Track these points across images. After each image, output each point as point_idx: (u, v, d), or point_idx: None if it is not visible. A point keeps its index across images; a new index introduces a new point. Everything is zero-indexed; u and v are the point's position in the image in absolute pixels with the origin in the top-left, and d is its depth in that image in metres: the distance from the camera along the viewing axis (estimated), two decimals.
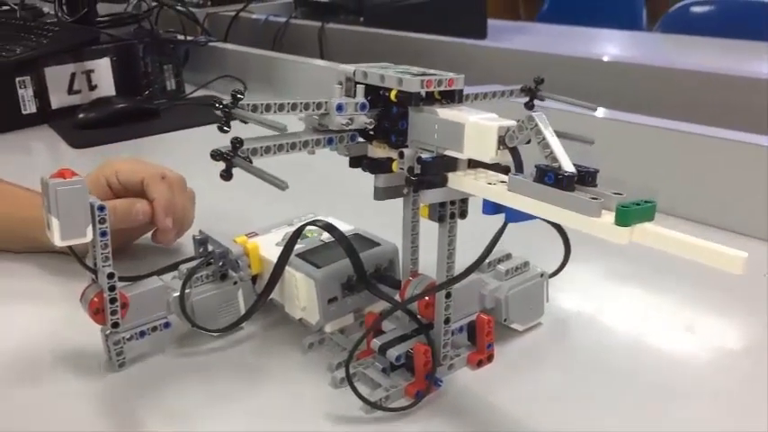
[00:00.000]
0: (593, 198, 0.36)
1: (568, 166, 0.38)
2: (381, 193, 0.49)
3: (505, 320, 0.55)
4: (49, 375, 0.54)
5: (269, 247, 0.59)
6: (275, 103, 0.43)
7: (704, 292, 0.64)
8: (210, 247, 0.59)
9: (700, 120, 0.83)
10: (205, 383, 0.53)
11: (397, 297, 0.54)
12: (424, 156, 0.44)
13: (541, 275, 0.57)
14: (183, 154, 1.10)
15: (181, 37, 1.49)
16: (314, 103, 0.45)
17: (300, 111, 0.45)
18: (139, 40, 1.39)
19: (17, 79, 1.24)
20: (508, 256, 0.58)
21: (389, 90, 0.46)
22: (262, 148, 0.43)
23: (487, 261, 0.56)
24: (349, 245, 0.53)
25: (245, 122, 0.41)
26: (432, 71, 0.47)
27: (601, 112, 0.87)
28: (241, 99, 0.41)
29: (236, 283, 0.58)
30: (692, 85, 1.11)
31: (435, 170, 0.44)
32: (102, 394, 0.52)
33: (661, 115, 0.85)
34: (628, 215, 0.34)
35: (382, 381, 0.50)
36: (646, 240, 0.34)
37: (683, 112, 0.89)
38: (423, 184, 0.44)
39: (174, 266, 0.58)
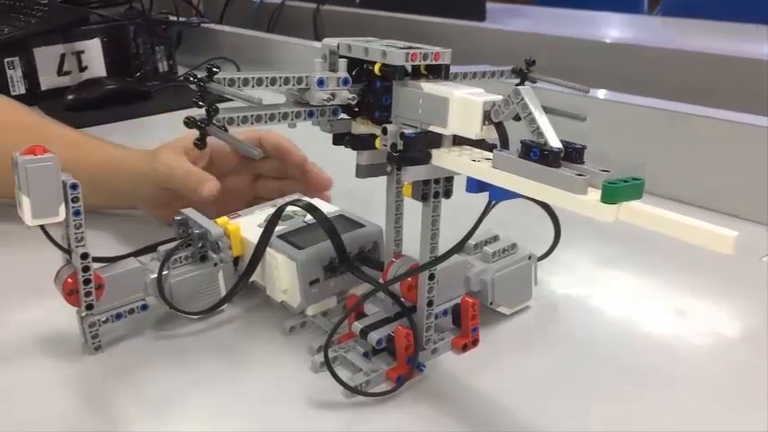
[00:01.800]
0: (578, 174, 0.34)
1: (555, 142, 0.36)
2: (364, 171, 0.47)
3: (491, 303, 0.54)
4: (25, 358, 0.52)
5: (251, 229, 0.58)
6: (253, 78, 0.41)
7: (699, 276, 0.63)
8: (191, 229, 0.57)
9: (700, 101, 0.82)
10: (184, 367, 0.52)
11: (381, 279, 0.52)
12: (408, 132, 0.42)
13: (529, 258, 0.56)
14: (174, 135, 1.09)
15: (173, 18, 1.46)
16: (294, 77, 0.43)
17: (280, 85, 0.43)
18: (131, 20, 1.36)
19: (5, 60, 1.22)
20: (495, 238, 0.56)
21: (373, 64, 0.44)
22: (239, 117, 0.42)
23: (474, 243, 0.54)
24: (330, 226, 0.52)
25: (222, 97, 0.40)
26: (418, 45, 0.45)
27: (601, 93, 0.85)
28: (216, 73, 0.40)
29: (216, 264, 0.56)
30: (692, 67, 1.10)
31: (418, 146, 0.42)
32: (77, 377, 0.50)
33: (662, 97, 0.84)
34: (614, 192, 0.33)
35: (363, 365, 0.49)
36: (632, 218, 0.33)
37: (683, 94, 0.88)
38: (405, 161, 0.42)
39: (153, 248, 0.57)
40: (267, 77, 0.42)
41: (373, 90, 0.45)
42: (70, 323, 0.53)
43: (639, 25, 1.88)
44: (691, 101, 0.83)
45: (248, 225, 0.58)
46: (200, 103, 0.40)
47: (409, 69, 0.44)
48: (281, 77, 0.43)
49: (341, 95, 0.45)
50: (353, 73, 0.46)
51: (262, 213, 0.61)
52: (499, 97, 0.40)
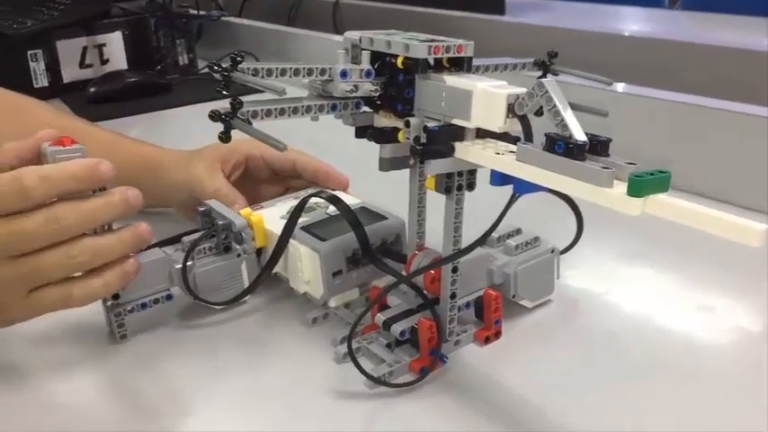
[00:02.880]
0: (604, 167, 0.34)
1: (580, 135, 0.36)
2: (386, 164, 0.47)
3: (514, 297, 0.54)
4: (51, 347, 0.53)
5: (274, 220, 0.58)
6: (277, 68, 0.41)
7: (723, 271, 0.63)
8: (214, 220, 0.57)
9: (722, 95, 0.81)
10: (208, 356, 0.52)
11: (404, 271, 0.53)
12: (431, 125, 0.42)
13: (552, 251, 0.55)
14: (194, 129, 1.09)
15: (193, 11, 1.47)
16: (317, 68, 0.43)
17: (303, 76, 0.43)
18: (152, 13, 1.37)
19: (29, 52, 1.24)
20: (518, 231, 0.56)
21: (396, 57, 0.44)
22: (262, 110, 0.41)
23: (497, 236, 0.54)
24: (353, 217, 0.52)
25: (245, 87, 0.40)
26: (441, 38, 0.45)
27: (620, 86, 0.85)
28: (240, 62, 0.40)
29: (239, 255, 0.56)
30: (713, 60, 1.09)
31: (442, 139, 0.42)
32: (103, 366, 0.51)
33: (683, 91, 0.83)
34: (640, 185, 0.33)
35: (386, 356, 0.49)
36: (659, 212, 0.33)
37: (704, 88, 0.87)
38: (428, 154, 0.42)
39: (177, 238, 0.57)
40: (291, 68, 0.42)
41: (396, 83, 0.45)
42: (94, 312, 0.53)
43: (660, 19, 1.86)
44: (713, 95, 0.82)
45: (271, 217, 0.59)
46: (224, 92, 0.40)
47: (431, 62, 0.44)
48: (304, 68, 0.43)
49: (363, 88, 0.45)
50: (376, 66, 0.46)
51: (284, 205, 0.62)
52: (523, 90, 0.40)
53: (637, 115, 0.82)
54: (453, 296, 0.48)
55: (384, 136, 0.46)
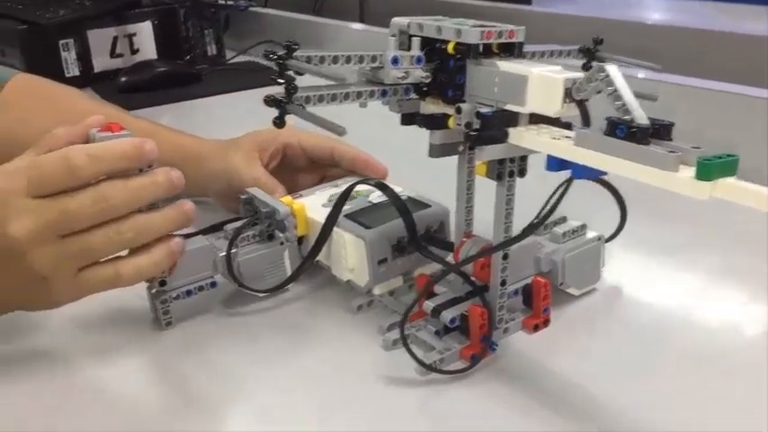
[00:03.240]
0: (670, 151, 0.34)
1: (642, 119, 0.36)
2: (437, 150, 0.47)
3: (561, 285, 0.53)
4: (95, 333, 0.53)
5: (315, 208, 0.58)
6: (329, 55, 0.42)
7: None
8: (257, 208, 0.58)
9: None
10: (254, 344, 0.52)
11: (449, 259, 0.53)
12: (484, 110, 0.42)
13: (599, 239, 0.55)
14: (224, 118, 1.13)
15: (221, 1, 1.47)
16: (368, 55, 0.43)
17: (354, 64, 0.43)
18: (181, 3, 1.38)
19: (60, 42, 1.25)
20: (563, 219, 0.56)
21: (446, 42, 0.44)
22: (315, 96, 0.41)
23: (546, 223, 0.53)
24: (402, 204, 0.52)
25: (301, 74, 0.40)
26: (490, 23, 0.45)
27: (668, 76, 0.84)
28: (296, 50, 0.40)
29: (282, 243, 0.56)
30: (745, 50, 1.08)
31: (496, 125, 0.42)
32: (148, 352, 0.51)
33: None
34: (709, 169, 0.32)
35: (436, 343, 0.49)
36: (728, 195, 0.32)
37: (736, 77, 0.86)
38: (482, 140, 0.42)
39: (219, 226, 0.57)
40: (343, 55, 0.42)
41: (446, 69, 0.45)
42: (136, 298, 0.53)
43: (689, 9, 1.84)
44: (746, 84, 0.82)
45: (312, 205, 0.59)
46: (279, 80, 0.40)
47: (481, 48, 0.44)
48: (355, 56, 0.43)
49: (414, 74, 0.45)
50: (425, 52, 0.45)
51: (323, 193, 0.62)
52: (579, 74, 0.39)
53: (681, 105, 0.82)
54: (503, 283, 0.48)
55: (434, 122, 0.46)
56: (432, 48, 0.45)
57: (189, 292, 0.54)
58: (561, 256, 0.52)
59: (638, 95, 0.47)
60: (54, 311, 0.49)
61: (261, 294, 0.56)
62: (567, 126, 0.43)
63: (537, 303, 0.50)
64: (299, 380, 0.48)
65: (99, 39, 1.29)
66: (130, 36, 1.32)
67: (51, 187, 0.45)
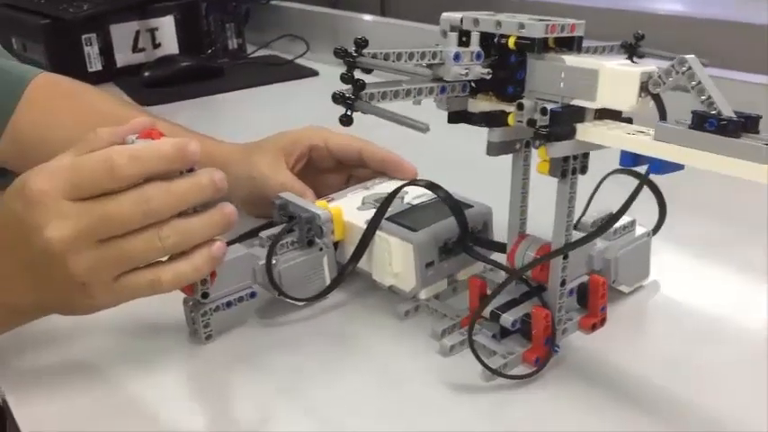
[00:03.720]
0: (765, 144, 0.33)
1: (728, 112, 0.35)
2: (495, 148, 0.46)
3: (614, 282, 0.53)
4: (133, 352, 0.51)
5: (351, 212, 0.57)
6: (393, 52, 0.40)
7: None
8: (292, 213, 0.56)
9: None
10: (303, 355, 0.51)
11: (493, 258, 0.52)
12: (552, 106, 0.41)
13: (648, 235, 0.55)
14: (247, 113, 1.13)
15: None
16: (429, 52, 0.42)
17: (417, 60, 0.42)
18: None
19: (83, 36, 1.26)
20: (610, 216, 0.54)
21: (506, 37, 0.43)
22: (379, 93, 0.40)
23: (591, 221, 0.53)
24: (456, 204, 0.51)
25: (370, 71, 0.39)
26: (544, 17, 0.44)
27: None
28: (365, 46, 0.38)
29: (321, 249, 0.55)
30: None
31: (565, 120, 0.41)
32: (191, 367, 0.50)
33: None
34: None
35: (496, 347, 0.48)
36: None
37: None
38: (552, 137, 0.41)
39: (254, 233, 0.57)
40: (406, 52, 0.41)
41: (506, 65, 0.44)
42: (167, 311, 0.52)
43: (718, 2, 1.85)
44: None
45: (347, 208, 0.57)
46: (347, 76, 0.39)
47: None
48: (418, 52, 0.42)
49: (474, 71, 0.43)
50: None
51: (355, 196, 0.61)
52: (653, 68, 0.39)
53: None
54: (563, 283, 0.47)
55: (494, 119, 0.45)
56: (489, 43, 0.44)
57: (229, 304, 0.52)
58: (614, 254, 0.52)
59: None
60: (82, 322, 0.48)
61: (301, 303, 0.55)
62: (629, 121, 0.43)
63: (594, 302, 0.50)
64: (355, 391, 0.47)
65: (121, 33, 1.29)
66: (152, 30, 1.32)
67: (91, 189, 0.43)
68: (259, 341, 0.52)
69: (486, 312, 0.48)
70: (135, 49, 1.31)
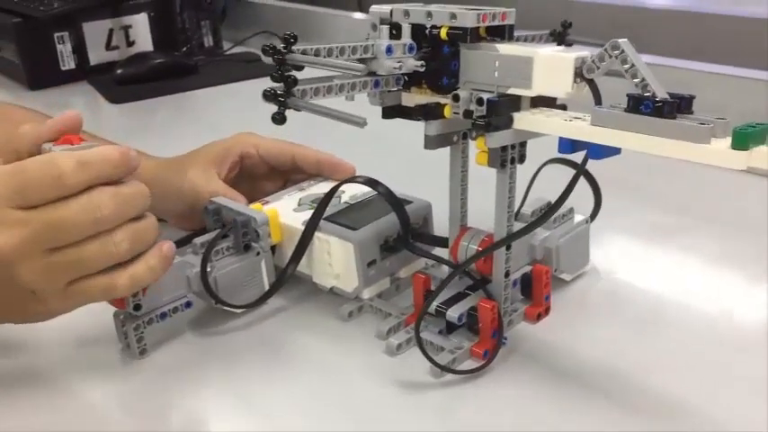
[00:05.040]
0: (701, 123, 0.35)
1: (663, 94, 0.36)
2: (433, 142, 0.46)
3: (555, 271, 0.54)
4: (60, 371, 0.49)
5: (287, 213, 0.57)
6: (324, 48, 0.40)
7: (757, 240, 0.63)
8: (226, 217, 0.55)
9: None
10: (241, 366, 0.50)
11: (435, 253, 0.53)
12: (489, 96, 0.41)
13: (587, 222, 0.56)
14: (220, 110, 1.14)
15: None
16: (361, 46, 0.43)
17: (348, 55, 0.42)
18: None
19: (56, 35, 1.26)
20: (549, 205, 0.55)
21: (438, 28, 0.43)
22: (311, 89, 0.40)
23: (530, 210, 0.53)
24: (397, 200, 0.51)
25: (300, 69, 0.39)
26: (473, 6, 0.44)
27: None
28: (294, 43, 0.38)
29: (258, 254, 0.54)
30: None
31: (503, 110, 0.41)
32: (122, 386, 0.48)
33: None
34: (745, 137, 0.33)
35: (443, 343, 0.49)
36: (764, 163, 0.33)
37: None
38: (490, 127, 0.41)
39: (187, 240, 0.55)
40: (337, 47, 0.41)
41: (439, 56, 0.44)
42: (97, 326, 0.51)
43: None
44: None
45: (283, 210, 0.57)
46: (277, 74, 0.39)
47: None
48: (349, 47, 0.42)
49: (407, 64, 0.44)
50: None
51: (291, 197, 0.60)
52: (586, 53, 0.39)
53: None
54: (507, 274, 0.48)
55: (430, 113, 0.45)
56: (420, 35, 0.45)
57: (163, 315, 0.51)
58: (555, 243, 0.53)
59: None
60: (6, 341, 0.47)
61: (239, 311, 0.54)
62: (564, 108, 0.44)
63: (538, 292, 0.51)
64: (300, 398, 0.46)
65: (94, 31, 1.29)
66: (126, 28, 1.33)
67: (38, 196, 0.42)
68: (197, 352, 0.52)
69: (432, 308, 0.49)
70: (108, 46, 1.32)
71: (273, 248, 0.56)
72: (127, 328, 0.50)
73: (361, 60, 0.43)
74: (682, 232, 0.67)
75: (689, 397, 0.45)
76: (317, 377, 0.49)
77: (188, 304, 0.52)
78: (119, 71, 1.26)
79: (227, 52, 1.47)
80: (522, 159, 0.46)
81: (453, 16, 0.43)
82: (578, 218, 0.56)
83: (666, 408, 0.44)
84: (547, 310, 0.52)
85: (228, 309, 0.53)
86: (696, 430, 0.43)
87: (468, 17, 0.42)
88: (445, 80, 0.44)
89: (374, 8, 0.47)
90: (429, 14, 0.44)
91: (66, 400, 0.47)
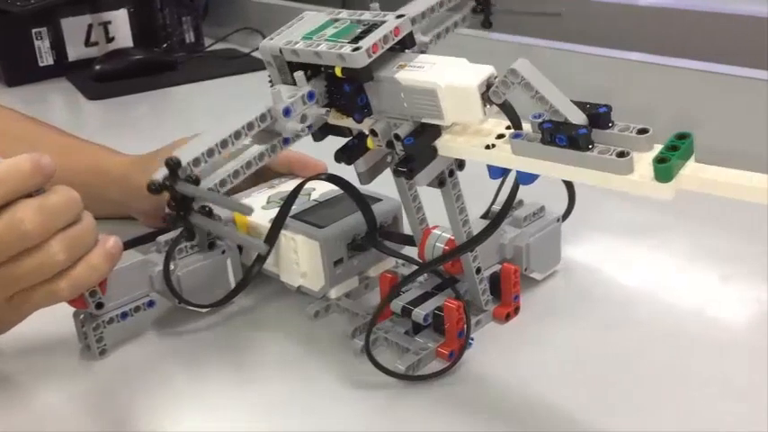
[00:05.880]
0: (619, 155, 0.42)
1: (576, 116, 0.44)
2: (367, 177, 0.56)
3: (526, 270, 0.64)
4: (18, 373, 0.63)
5: (255, 212, 0.64)
6: (216, 144, 0.52)
7: (741, 241, 0.77)
8: None
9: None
10: (203, 367, 0.62)
11: (404, 252, 0.63)
12: (404, 135, 0.50)
13: (558, 220, 0.66)
14: (199, 106, 1.42)
15: None
16: (257, 118, 0.52)
17: (245, 135, 0.52)
18: None
19: (33, 30, 1.57)
20: (520, 203, 0.66)
21: (332, 67, 0.50)
22: (216, 184, 0.51)
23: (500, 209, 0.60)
24: (361, 197, 0.60)
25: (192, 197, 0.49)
26: (370, 17, 0.54)
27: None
28: (179, 166, 0.50)
29: (224, 252, 0.65)
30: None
31: (422, 150, 0.51)
32: (80, 388, 0.61)
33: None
34: (669, 170, 0.40)
35: (408, 344, 0.58)
36: (695, 187, 0.42)
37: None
38: (417, 170, 0.51)
39: (150, 237, 0.67)
40: (230, 135, 0.52)
41: (342, 93, 0.53)
42: (56, 325, 0.63)
43: None
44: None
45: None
46: (172, 209, 0.50)
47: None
48: (243, 127, 0.52)
49: (312, 113, 0.54)
50: (308, 73, 0.54)
51: (260, 195, 0.72)
52: (491, 68, 0.47)
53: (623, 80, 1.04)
54: (479, 270, 0.59)
55: (354, 153, 0.55)
56: (317, 71, 0.53)
57: (124, 315, 0.62)
58: (525, 241, 0.63)
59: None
60: None
61: (204, 310, 0.65)
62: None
63: (507, 291, 0.61)
64: (265, 400, 0.58)
65: (73, 27, 1.63)
66: (105, 24, 1.66)
67: None
68: (159, 353, 0.63)
69: (398, 308, 0.59)
70: (88, 42, 1.63)
71: (241, 247, 0.67)
72: (86, 328, 0.60)
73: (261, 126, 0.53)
74: (656, 230, 0.78)
75: (659, 398, 0.55)
76: (280, 379, 0.59)
77: (150, 303, 0.63)
78: (97, 67, 1.55)
79: (209, 48, 1.78)
80: (461, 167, 0.55)
81: (341, 58, 0.50)
82: (551, 215, 0.67)
83: (636, 409, 0.54)
84: (516, 310, 0.62)
85: (193, 308, 0.64)
86: (665, 430, 0.52)
87: (356, 59, 0.49)
88: (357, 116, 0.53)
89: (264, 44, 0.55)
90: (318, 55, 0.51)
91: (23, 401, 0.58)
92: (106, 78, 1.55)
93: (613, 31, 1.13)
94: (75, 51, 1.66)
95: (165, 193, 0.56)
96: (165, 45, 1.73)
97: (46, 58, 1.63)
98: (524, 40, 1.17)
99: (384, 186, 0.64)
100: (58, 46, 1.63)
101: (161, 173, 0.49)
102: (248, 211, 0.50)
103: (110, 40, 1.68)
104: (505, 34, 1.16)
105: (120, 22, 1.68)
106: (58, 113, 1.49)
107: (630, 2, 1.39)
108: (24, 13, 1.51)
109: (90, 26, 1.65)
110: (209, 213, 0.50)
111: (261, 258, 0.65)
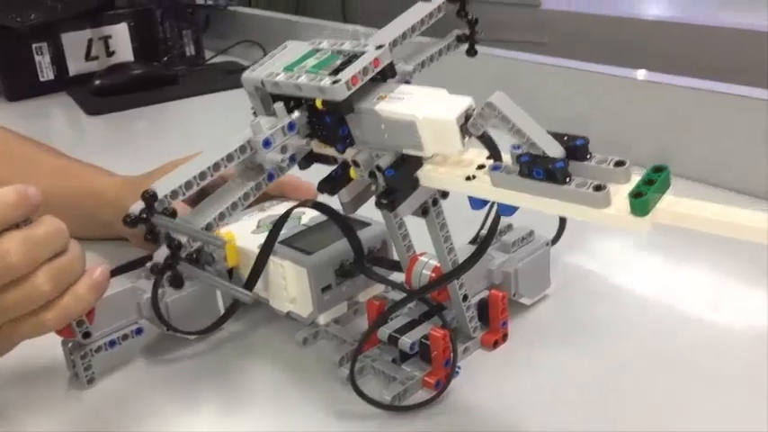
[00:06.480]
0: (596, 189, 0.43)
1: (553, 150, 0.46)
2: (351, 207, 0.58)
3: (514, 295, 0.65)
4: (6, 398, 0.65)
5: (245, 236, 0.69)
6: (195, 177, 0.55)
7: (736, 262, 0.78)
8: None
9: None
10: (191, 395, 0.64)
11: (393, 278, 0.65)
12: (387, 169, 0.52)
13: (547, 244, 0.67)
14: (200, 120, 1.46)
15: (200, 1, 1.82)
16: (236, 151, 0.54)
17: (225, 167, 0.54)
18: (158, 4, 1.71)
19: (34, 45, 1.61)
20: (509, 227, 0.68)
21: (313, 99, 0.52)
22: (203, 229, 0.53)
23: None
24: (346, 224, 0.61)
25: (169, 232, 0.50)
26: (350, 48, 0.56)
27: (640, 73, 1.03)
28: (155, 200, 0.52)
29: None
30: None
31: (403, 182, 0.52)
32: (68, 416, 0.62)
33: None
34: (644, 205, 0.42)
35: (395, 373, 0.60)
36: (671, 222, 0.43)
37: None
38: (399, 201, 0.53)
39: (139, 263, 0.68)
40: (209, 167, 0.54)
41: (324, 126, 0.54)
42: (44, 354, 0.65)
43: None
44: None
45: (241, 232, 0.70)
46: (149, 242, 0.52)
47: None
48: (223, 159, 0.54)
49: (293, 144, 0.55)
50: (291, 104, 0.55)
51: (251, 219, 0.73)
52: (469, 99, 0.49)
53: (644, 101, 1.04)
54: (466, 298, 0.60)
55: (338, 182, 0.57)
56: (298, 102, 0.55)
57: (113, 343, 0.64)
58: (514, 267, 0.64)
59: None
60: None
61: (192, 337, 0.67)
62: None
63: (495, 318, 0.63)
64: (251, 429, 0.60)
65: (73, 42, 1.66)
66: (106, 38, 1.69)
67: None
68: (147, 381, 0.64)
69: (385, 336, 0.60)
70: (88, 57, 1.67)
71: (231, 272, 0.69)
72: (74, 357, 0.62)
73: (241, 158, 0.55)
74: (646, 254, 0.80)
75: (651, 425, 0.57)
76: (267, 408, 0.61)
77: (139, 331, 0.65)
78: (97, 82, 1.60)
79: (209, 62, 1.80)
80: (444, 196, 0.57)
81: (321, 91, 0.51)
82: (540, 240, 0.68)
83: None
84: (504, 337, 0.63)
85: (181, 335, 0.66)
86: None
87: (336, 92, 0.51)
88: (339, 146, 0.54)
89: (247, 76, 0.57)
90: (298, 87, 0.53)
91: (10, 429, 0.59)
92: (106, 93, 1.59)
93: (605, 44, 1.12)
94: (75, 66, 1.71)
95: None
96: (165, 58, 1.76)
97: (46, 73, 1.67)
98: (511, 54, 1.14)
99: (374, 209, 0.63)
100: (59, 61, 1.69)
101: (137, 206, 0.51)
102: (221, 243, 0.53)
103: (110, 54, 1.71)
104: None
105: (121, 37, 1.72)
106: (58, 128, 1.52)
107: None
108: (25, 28, 1.56)
109: (90, 41, 1.70)
110: (196, 261, 0.53)
111: (248, 285, 0.68)
